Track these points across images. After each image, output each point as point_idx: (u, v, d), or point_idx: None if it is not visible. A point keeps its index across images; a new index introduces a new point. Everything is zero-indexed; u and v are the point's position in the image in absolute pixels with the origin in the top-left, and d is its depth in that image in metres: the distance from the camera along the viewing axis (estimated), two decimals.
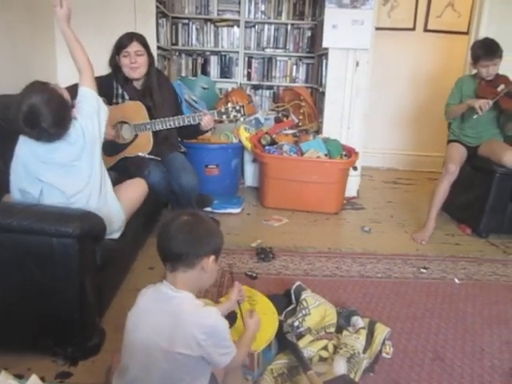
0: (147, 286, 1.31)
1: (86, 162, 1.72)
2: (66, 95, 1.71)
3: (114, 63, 2.52)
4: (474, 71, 3.00)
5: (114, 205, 1.89)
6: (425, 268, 2.53)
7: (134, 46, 2.46)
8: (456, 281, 2.40)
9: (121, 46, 2.47)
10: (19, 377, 1.47)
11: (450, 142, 3.15)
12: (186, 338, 1.16)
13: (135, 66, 2.47)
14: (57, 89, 1.68)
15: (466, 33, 4.22)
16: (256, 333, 1.46)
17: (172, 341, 1.16)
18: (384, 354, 1.73)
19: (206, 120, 2.53)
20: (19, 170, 1.67)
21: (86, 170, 1.72)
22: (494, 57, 2.77)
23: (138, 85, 2.58)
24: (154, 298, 1.25)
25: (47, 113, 1.56)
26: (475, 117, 2.81)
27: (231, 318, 1.63)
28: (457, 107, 3.00)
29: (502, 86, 2.81)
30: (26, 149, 1.66)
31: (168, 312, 1.20)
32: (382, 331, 1.80)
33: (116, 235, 1.88)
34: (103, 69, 2.56)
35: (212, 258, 1.23)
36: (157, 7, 3.50)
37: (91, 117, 1.75)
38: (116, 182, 2.14)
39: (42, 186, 1.67)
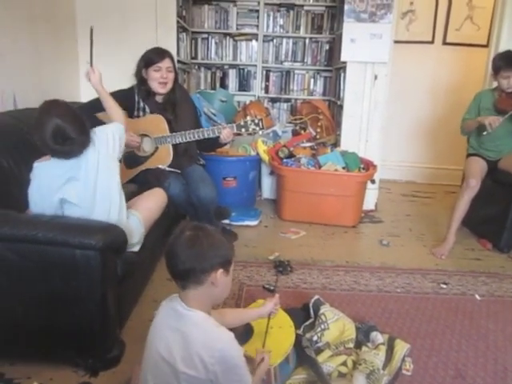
0: (166, 299, 1.31)
1: (104, 175, 1.75)
2: None
3: (141, 76, 2.56)
4: (495, 84, 2.98)
5: (132, 218, 1.92)
6: (445, 283, 2.49)
7: (166, 63, 2.51)
8: (477, 297, 2.36)
9: (152, 60, 2.51)
10: None
11: (469, 155, 3.12)
12: (192, 359, 1.14)
13: (165, 82, 2.52)
14: (65, 102, 1.76)
15: (486, 45, 4.20)
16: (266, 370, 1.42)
17: (177, 359, 1.15)
18: (404, 371, 1.71)
19: (226, 133, 2.56)
20: (36, 196, 1.70)
21: (104, 184, 1.75)
22: None
23: (159, 99, 2.62)
24: (166, 314, 1.24)
25: (71, 124, 1.63)
26: (485, 133, 2.80)
27: (246, 331, 1.62)
28: (470, 122, 3.00)
29: None
30: (44, 174, 1.69)
31: (177, 330, 1.18)
32: (401, 347, 1.78)
33: (136, 248, 1.90)
34: (125, 81, 2.62)
35: (220, 271, 1.20)
36: (177, 22, 3.57)
37: (107, 137, 1.80)
38: (136, 194, 2.18)
39: (61, 206, 1.70)
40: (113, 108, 2.09)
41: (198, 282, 1.19)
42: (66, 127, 1.62)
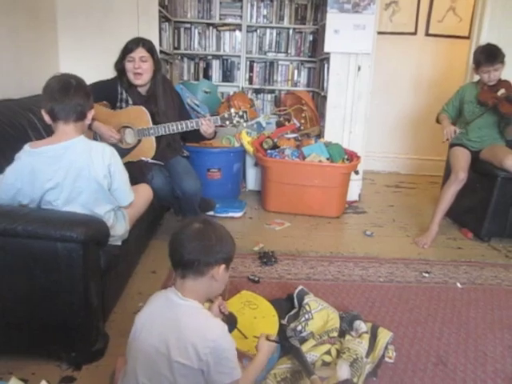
0: (156, 292, 1.32)
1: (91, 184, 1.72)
2: None
3: (120, 67, 2.52)
4: (477, 77, 3.01)
5: (117, 213, 1.89)
6: (427, 272, 2.53)
7: (140, 52, 2.46)
8: (458, 285, 2.40)
9: (127, 50, 2.47)
10: (24, 381, 1.48)
11: (452, 145, 3.16)
12: (186, 348, 1.14)
13: (138, 72, 2.47)
14: None
15: (468, 37, 4.23)
16: (268, 357, 1.43)
17: (171, 348, 1.15)
18: (387, 359, 1.73)
19: (205, 126, 2.52)
20: (17, 183, 1.66)
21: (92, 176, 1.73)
22: (495, 62, 2.78)
23: (142, 90, 2.58)
24: (161, 304, 1.25)
25: (79, 86, 1.69)
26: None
27: (231, 320, 1.63)
28: (442, 117, 3.14)
29: (502, 91, 2.82)
30: (29, 161, 1.65)
31: (171, 319, 1.19)
32: (384, 336, 1.81)
33: (119, 242, 1.88)
34: (106, 72, 2.59)
35: (223, 266, 1.23)
36: (159, 11, 3.51)
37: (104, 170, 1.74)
38: None
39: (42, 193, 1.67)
40: None
41: (200, 274, 1.21)
42: (75, 86, 1.67)
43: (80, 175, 1.66)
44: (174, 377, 1.16)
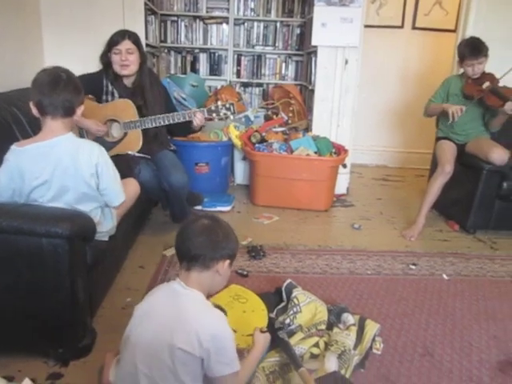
0: (159, 285, 1.37)
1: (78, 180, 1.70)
2: None
3: (106, 60, 2.50)
4: (462, 70, 3.03)
5: (104, 210, 1.87)
6: (414, 264, 2.55)
7: (126, 44, 2.45)
8: (444, 277, 2.43)
9: (112, 43, 2.46)
10: (9, 379, 1.47)
11: (438, 139, 3.18)
12: (189, 335, 1.16)
13: (125, 64, 2.46)
14: None
15: (454, 30, 4.26)
16: (265, 349, 1.47)
17: (174, 335, 1.17)
18: (374, 350, 1.75)
19: (199, 118, 2.51)
20: (11, 183, 1.65)
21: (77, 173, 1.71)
22: (479, 56, 2.80)
23: (128, 83, 2.56)
24: (165, 294, 1.29)
25: (69, 81, 1.66)
26: (449, 123, 2.87)
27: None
28: (434, 106, 3.06)
29: (486, 84, 2.84)
30: (18, 161, 1.63)
31: (174, 307, 1.22)
32: (372, 328, 1.82)
33: (106, 238, 1.86)
34: (92, 66, 2.56)
35: (227, 262, 1.29)
36: (145, 4, 3.47)
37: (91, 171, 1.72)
38: None
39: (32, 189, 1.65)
40: None
41: (205, 267, 1.26)
42: (66, 81, 1.63)
43: (66, 173, 1.64)
44: (175, 365, 1.17)
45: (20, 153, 1.63)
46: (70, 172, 1.65)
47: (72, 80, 1.68)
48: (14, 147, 1.65)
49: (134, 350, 1.23)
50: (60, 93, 1.62)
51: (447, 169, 2.90)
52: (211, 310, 1.26)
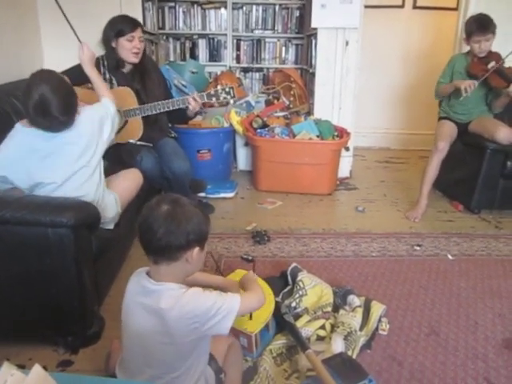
0: (133, 273, 1.29)
1: (84, 159, 1.74)
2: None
3: (110, 45, 2.48)
4: (467, 48, 2.98)
5: (109, 197, 1.89)
6: (418, 245, 2.56)
7: (139, 32, 2.46)
8: (449, 257, 2.43)
9: (125, 30, 2.43)
10: (21, 367, 1.47)
11: (440, 119, 3.16)
12: (181, 331, 1.13)
13: (138, 52, 2.47)
14: (62, 76, 1.71)
15: (456, 9, 4.19)
16: (254, 280, 1.43)
17: (157, 335, 1.15)
18: (380, 331, 1.76)
19: (193, 104, 2.49)
20: (9, 157, 1.66)
21: (83, 165, 1.73)
22: (487, 32, 2.75)
23: (126, 69, 2.55)
24: (135, 291, 1.21)
25: (57, 101, 1.59)
26: (461, 98, 2.82)
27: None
28: (445, 86, 3.01)
29: (492, 63, 2.80)
30: (26, 140, 1.65)
31: (149, 307, 1.15)
32: (377, 309, 1.83)
33: (110, 226, 1.87)
34: None
35: (196, 249, 1.16)
36: None
37: (93, 119, 1.77)
38: (108, 170, 2.13)
39: (31, 182, 1.67)
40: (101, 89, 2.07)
41: (173, 259, 1.14)
42: (52, 103, 1.57)
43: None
44: (171, 352, 1.17)
45: (30, 132, 1.65)
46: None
47: (60, 96, 1.61)
48: (19, 126, 1.67)
49: (132, 344, 1.23)
50: (52, 120, 1.61)
51: (440, 146, 2.90)
52: (180, 298, 1.13)
